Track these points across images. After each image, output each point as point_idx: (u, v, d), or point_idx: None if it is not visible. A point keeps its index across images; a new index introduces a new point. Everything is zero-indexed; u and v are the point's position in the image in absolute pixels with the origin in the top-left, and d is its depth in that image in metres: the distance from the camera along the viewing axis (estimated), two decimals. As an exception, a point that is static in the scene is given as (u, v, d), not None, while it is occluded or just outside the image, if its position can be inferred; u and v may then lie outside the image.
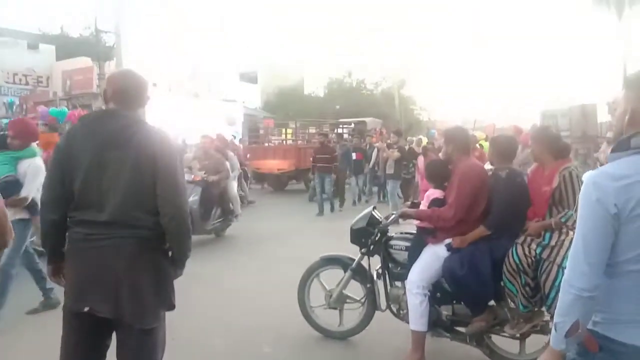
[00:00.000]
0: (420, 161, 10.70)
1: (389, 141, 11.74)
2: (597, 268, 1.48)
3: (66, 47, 28.73)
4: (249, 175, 13.72)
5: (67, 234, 2.23)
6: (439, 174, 3.63)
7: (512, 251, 3.17)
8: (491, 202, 3.31)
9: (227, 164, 7.97)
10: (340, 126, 19.31)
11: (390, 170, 10.03)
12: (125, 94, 2.26)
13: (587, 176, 1.54)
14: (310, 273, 4.03)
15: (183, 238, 2.27)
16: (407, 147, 10.76)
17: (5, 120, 18.81)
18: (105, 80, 2.45)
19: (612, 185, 1.45)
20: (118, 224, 2.11)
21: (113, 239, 2.11)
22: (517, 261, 3.12)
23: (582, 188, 1.54)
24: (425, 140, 15.33)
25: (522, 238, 3.18)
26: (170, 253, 2.30)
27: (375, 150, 12.96)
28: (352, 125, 19.01)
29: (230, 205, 8.04)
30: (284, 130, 20.73)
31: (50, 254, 2.28)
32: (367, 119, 20.43)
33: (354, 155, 12.08)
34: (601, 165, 6.40)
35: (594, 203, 1.47)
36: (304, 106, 29.41)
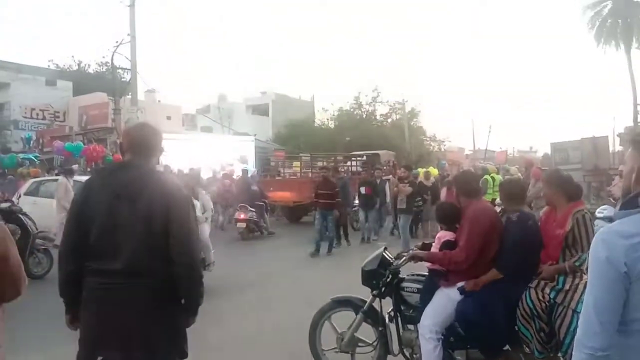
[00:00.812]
0: (443, 194, 10.76)
1: (400, 174, 11.63)
2: (609, 327, 1.47)
3: (83, 83, 29.55)
4: (269, 207, 13.90)
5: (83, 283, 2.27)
6: (449, 216, 3.64)
7: (525, 295, 3.14)
8: (503, 245, 3.30)
9: (197, 204, 6.71)
10: (354, 159, 19.16)
11: (402, 204, 10.01)
12: (140, 146, 2.34)
13: (596, 234, 1.55)
14: (322, 315, 3.99)
15: (196, 286, 2.31)
16: (417, 181, 10.82)
17: (22, 155, 19.31)
18: (122, 133, 2.55)
19: (622, 243, 1.45)
20: (131, 273, 2.16)
21: (127, 288, 2.16)
22: (531, 306, 3.09)
23: (591, 246, 1.54)
24: (435, 172, 15.37)
25: (535, 282, 3.15)
26: (182, 301, 2.33)
27: (388, 183, 12.48)
28: (364, 158, 18.91)
29: (201, 253, 6.65)
30: (295, 162, 20.90)
31: (67, 304, 2.32)
32: (380, 152, 20.42)
33: (362, 190, 11.44)
34: (614, 199, 6.31)
35: (604, 261, 1.47)
36: (315, 138, 29.66)
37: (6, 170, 16.83)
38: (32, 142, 24.38)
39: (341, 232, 11.11)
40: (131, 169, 2.31)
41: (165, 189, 2.26)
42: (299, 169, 19.27)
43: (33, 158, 18.72)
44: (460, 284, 3.36)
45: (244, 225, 11.75)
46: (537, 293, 3.10)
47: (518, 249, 3.21)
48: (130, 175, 2.27)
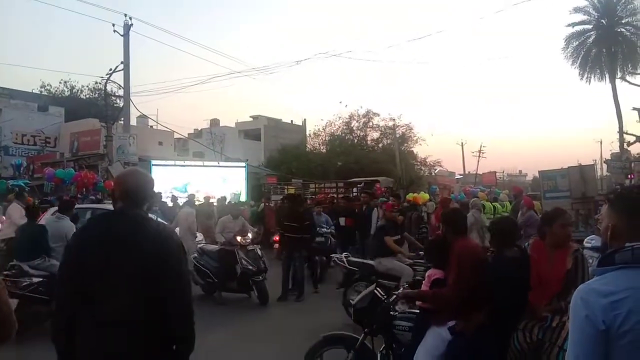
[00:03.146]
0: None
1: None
2: None
3: (75, 109, 29.57)
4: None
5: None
6: (437, 253, 3.70)
7: (513, 338, 3.18)
8: (491, 284, 3.35)
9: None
10: (358, 186, 18.87)
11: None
12: (131, 193, 2.37)
13: (575, 292, 1.61)
14: (314, 353, 3.99)
15: (189, 333, 2.32)
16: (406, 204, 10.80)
17: (12, 182, 19.15)
18: (114, 180, 2.60)
19: (600, 302, 1.51)
20: (124, 323, 2.16)
21: (119, 337, 2.15)
22: (518, 348, 3.13)
23: (571, 303, 1.60)
24: (426, 196, 15.43)
25: (523, 323, 3.19)
26: (175, 347, 2.34)
27: (376, 211, 9.94)
28: (363, 185, 18.76)
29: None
30: (289, 187, 20.95)
31: (60, 353, 2.31)
32: (379, 178, 20.45)
33: (342, 221, 9.64)
34: (600, 228, 6.41)
35: (583, 319, 1.53)
36: (307, 163, 29.80)
37: None
38: (22, 169, 24.20)
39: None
40: (123, 218, 2.33)
41: (157, 239, 2.27)
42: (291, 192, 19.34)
43: (23, 185, 18.56)
44: (451, 323, 3.40)
45: None
46: (524, 335, 3.14)
47: (502, 291, 3.24)
48: (122, 224, 2.29)
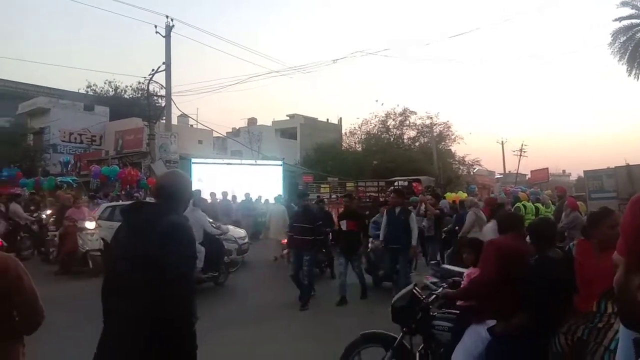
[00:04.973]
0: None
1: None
2: None
3: (119, 109, 30.63)
4: None
5: None
6: (477, 252, 3.67)
7: (555, 342, 3.10)
8: (532, 287, 3.28)
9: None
10: (396, 184, 18.77)
11: (429, 232, 9.93)
12: (163, 190, 2.49)
13: None
14: (351, 351, 4.01)
15: (179, 319, 2.26)
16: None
17: (60, 178, 20.07)
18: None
19: None
20: (135, 309, 2.20)
21: (131, 325, 2.20)
22: (560, 351, 3.05)
23: None
24: (465, 196, 15.18)
25: (565, 327, 3.11)
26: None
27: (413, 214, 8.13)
28: (406, 183, 18.52)
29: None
30: (323, 186, 21.05)
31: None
32: (421, 177, 20.25)
33: (343, 225, 8.01)
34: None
35: None
36: (342, 161, 29.83)
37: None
38: (69, 166, 25.29)
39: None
40: (147, 209, 2.44)
41: (165, 230, 2.27)
42: (326, 190, 19.43)
43: (70, 181, 19.42)
44: (490, 323, 3.35)
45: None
46: (566, 338, 3.06)
47: (546, 294, 3.17)
48: (144, 215, 2.39)
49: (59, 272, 9.90)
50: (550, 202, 12.63)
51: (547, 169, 32.58)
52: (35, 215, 13.15)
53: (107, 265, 2.53)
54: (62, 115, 29.53)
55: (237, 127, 39.90)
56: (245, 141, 29.65)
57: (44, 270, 10.19)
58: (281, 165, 20.82)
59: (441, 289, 3.79)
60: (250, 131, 32.50)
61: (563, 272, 3.24)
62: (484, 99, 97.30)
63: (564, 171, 67.41)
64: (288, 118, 41.51)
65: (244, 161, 22.15)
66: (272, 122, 41.30)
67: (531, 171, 34.69)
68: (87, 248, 9.87)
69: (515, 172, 43.31)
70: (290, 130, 40.08)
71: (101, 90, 35.61)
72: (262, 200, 16.85)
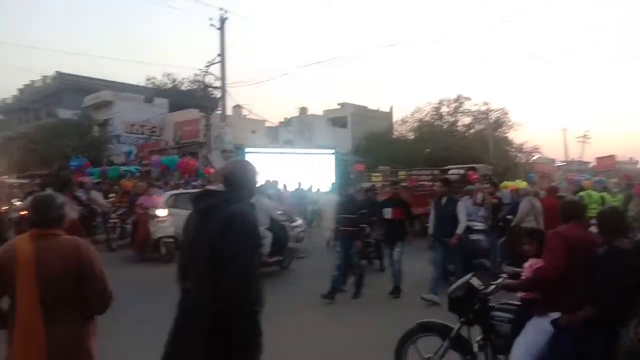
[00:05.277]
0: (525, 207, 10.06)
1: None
2: None
3: (177, 100, 31.69)
4: None
5: None
6: (540, 242, 3.56)
7: (624, 335, 2.96)
8: (599, 279, 3.14)
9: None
10: (451, 172, 18.29)
11: (487, 222, 9.65)
12: (228, 179, 2.55)
13: None
14: (407, 339, 4.00)
15: (238, 311, 2.24)
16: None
17: (124, 168, 21.15)
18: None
19: None
20: (198, 296, 2.30)
21: (193, 311, 2.32)
22: (629, 345, 2.91)
23: None
24: (523, 185, 14.60)
25: (635, 320, 2.96)
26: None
27: (462, 204, 7.77)
28: (463, 172, 18.01)
29: None
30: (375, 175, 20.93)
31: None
32: (478, 165, 19.52)
33: (387, 212, 7.68)
34: None
35: None
36: (394, 150, 29.48)
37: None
38: (132, 156, 26.55)
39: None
40: (208, 197, 2.50)
41: (225, 220, 2.28)
42: (378, 179, 19.31)
43: (134, 170, 20.42)
44: (554, 315, 3.25)
45: None
46: (636, 332, 2.91)
47: (615, 285, 3.03)
48: (210, 204, 2.44)
49: (135, 259, 10.36)
50: (616, 189, 11.93)
51: (614, 155, 30.34)
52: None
53: (179, 253, 2.70)
54: (124, 107, 30.92)
55: (289, 117, 40.27)
56: (297, 131, 29.92)
57: (114, 257, 10.79)
58: (333, 154, 20.88)
59: (501, 279, 3.70)
60: (302, 120, 32.72)
61: (633, 263, 3.09)
62: (544, 85, 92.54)
63: (630, 158, 63.13)
64: (339, 107, 41.41)
65: (296, 150, 22.40)
66: (323, 111, 41.34)
67: (596, 158, 32.32)
68: (159, 235, 10.14)
69: (578, 159, 41.15)
70: (341, 119, 39.94)
71: (160, 83, 36.96)
72: (314, 189, 17.03)
